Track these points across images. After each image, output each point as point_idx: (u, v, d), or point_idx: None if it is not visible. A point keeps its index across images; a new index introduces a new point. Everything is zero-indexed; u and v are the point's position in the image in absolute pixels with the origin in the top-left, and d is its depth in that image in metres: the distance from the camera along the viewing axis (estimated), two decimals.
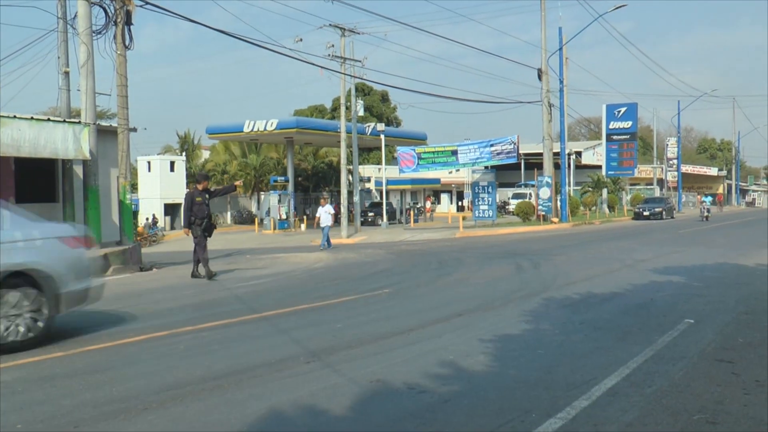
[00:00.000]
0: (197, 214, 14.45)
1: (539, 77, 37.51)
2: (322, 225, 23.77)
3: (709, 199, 42.05)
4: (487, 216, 35.15)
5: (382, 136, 39.75)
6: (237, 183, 19.69)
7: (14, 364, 6.63)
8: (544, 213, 36.60)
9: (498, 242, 24.09)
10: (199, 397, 5.37)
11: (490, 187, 35.57)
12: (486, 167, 39.71)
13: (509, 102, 79.10)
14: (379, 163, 51.95)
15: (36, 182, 18.90)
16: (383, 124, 41.97)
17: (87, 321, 9.36)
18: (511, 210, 46.56)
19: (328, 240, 23.69)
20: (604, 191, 50.30)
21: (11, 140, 15.27)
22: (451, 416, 4.81)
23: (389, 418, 4.80)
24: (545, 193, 36.74)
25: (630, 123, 45.91)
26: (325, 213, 23.84)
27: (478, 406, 5.03)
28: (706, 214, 39.21)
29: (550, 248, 20.15)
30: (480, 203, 35.44)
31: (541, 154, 40.40)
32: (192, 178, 50.31)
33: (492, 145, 35.62)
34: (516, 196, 52.50)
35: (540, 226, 33.84)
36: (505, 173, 59.88)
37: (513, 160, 36.74)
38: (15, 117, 15.63)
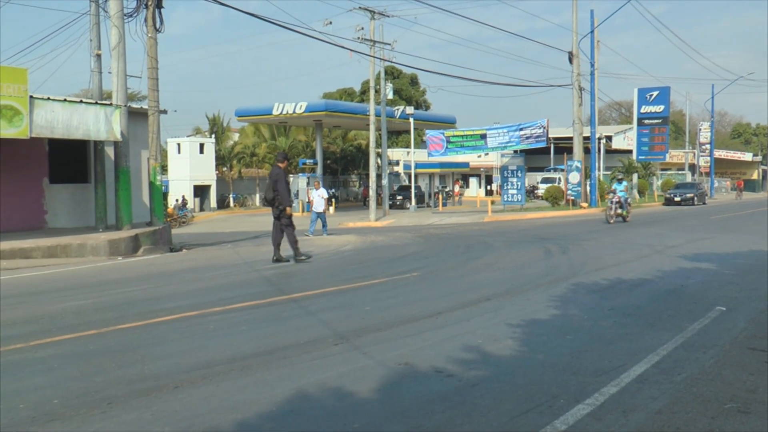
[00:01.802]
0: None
1: (570, 60, 37.06)
2: (315, 210, 21.98)
3: (623, 185, 25.74)
4: (515, 200, 34.96)
5: (411, 120, 39.62)
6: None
7: (50, 341, 6.75)
8: (573, 198, 36.30)
9: (526, 227, 23.95)
10: (229, 377, 5.41)
11: (519, 171, 35.35)
12: (515, 151, 39.62)
13: (539, 85, 78.55)
14: (407, 146, 51.80)
15: (69, 163, 19.18)
16: (412, 108, 41.84)
17: (118, 300, 9.50)
18: (540, 194, 46.29)
19: (325, 225, 21.84)
20: (635, 176, 49.72)
21: (45, 122, 15.48)
22: (479, 400, 4.80)
23: (417, 401, 4.80)
24: (575, 177, 36.40)
25: (662, 107, 45.21)
26: (318, 197, 22.19)
27: (505, 390, 5.01)
28: (613, 212, 24.65)
29: (579, 233, 19.98)
30: (509, 187, 35.24)
31: (570, 139, 40.03)
32: (221, 160, 50.68)
33: (521, 129, 35.36)
34: (545, 180, 52.13)
35: (569, 211, 33.58)
36: (534, 157, 59.49)
37: (542, 144, 36.44)
38: (49, 99, 15.82)
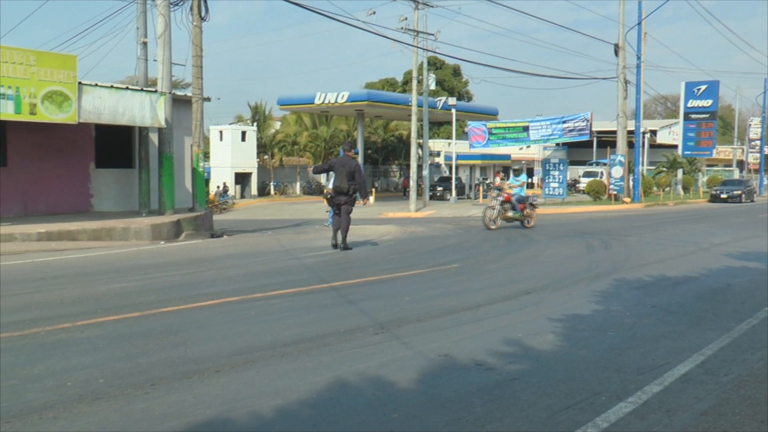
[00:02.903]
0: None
1: (616, 53, 36.46)
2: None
3: (518, 180, 20.07)
4: (557, 194, 34.66)
5: (453, 111, 39.42)
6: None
7: (96, 322, 6.88)
8: (615, 192, 35.80)
9: (567, 221, 23.69)
10: (269, 363, 5.46)
11: (561, 165, 35.02)
12: (557, 144, 39.19)
13: (584, 78, 77.56)
14: (449, 137, 51.61)
15: (114, 148, 19.51)
16: (454, 99, 41.60)
17: (161, 283, 9.64)
18: (582, 188, 45.73)
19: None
20: (680, 172, 48.81)
21: (92, 107, 15.77)
22: (519, 394, 4.76)
23: (457, 392, 4.78)
24: (617, 172, 35.90)
25: (710, 101, 44.26)
26: None
27: (546, 385, 4.97)
28: (495, 215, 19.35)
29: (621, 228, 19.71)
30: (550, 180, 34.95)
31: (614, 132, 39.43)
32: (263, 148, 51.06)
33: (564, 122, 35.00)
34: (587, 174, 51.45)
35: (611, 206, 33.14)
36: (576, 151, 58.76)
37: (585, 138, 36.02)
38: (96, 85, 16.10)
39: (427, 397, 4.71)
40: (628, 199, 35.53)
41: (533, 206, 19.95)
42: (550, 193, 34.68)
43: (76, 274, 10.62)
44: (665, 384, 5.03)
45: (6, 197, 17.25)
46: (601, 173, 46.21)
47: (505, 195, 19.43)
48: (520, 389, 4.87)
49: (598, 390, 4.87)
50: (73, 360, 5.54)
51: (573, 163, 50.84)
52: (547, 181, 35.09)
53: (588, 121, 34.42)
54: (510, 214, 19.44)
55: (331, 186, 14.47)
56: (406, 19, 31.95)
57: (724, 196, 40.62)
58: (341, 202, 13.90)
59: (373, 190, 42.88)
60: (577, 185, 50.11)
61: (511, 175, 20.69)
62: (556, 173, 34.74)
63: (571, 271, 11.00)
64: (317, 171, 15.86)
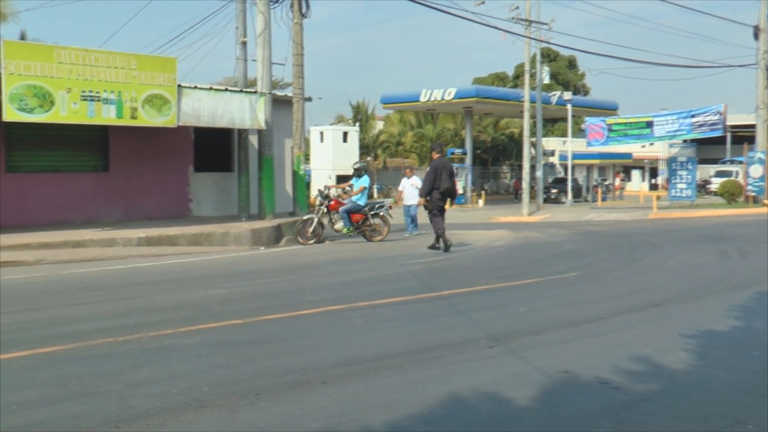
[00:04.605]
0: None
1: (755, 36, 34.82)
2: (406, 203, 19.89)
3: (359, 183, 17.09)
4: (684, 196, 33.42)
5: (569, 106, 38.75)
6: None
7: (197, 328, 7.14)
8: (754, 194, 34.14)
9: (697, 225, 22.82)
10: (378, 375, 5.51)
11: (690, 164, 33.75)
12: (685, 141, 37.78)
13: (716, 66, 74.19)
14: (564, 135, 50.73)
15: (213, 152, 20.22)
16: (570, 93, 40.96)
17: (263, 290, 9.91)
18: (713, 190, 43.92)
19: (414, 222, 19.54)
20: None
21: (191, 110, 16.40)
22: (649, 417, 4.61)
23: (579, 412, 4.68)
24: (756, 171, 34.23)
25: None
26: (410, 187, 20.00)
27: (680, 408, 4.78)
28: (315, 224, 16.57)
29: (760, 235, 18.76)
30: (677, 181, 33.74)
31: (752, 126, 37.64)
32: (365, 149, 51.68)
33: (693, 116, 33.67)
34: (719, 173, 49.36)
35: (748, 209, 31.64)
36: (707, 148, 56.50)
37: (718, 133, 34.52)
38: (195, 87, 16.75)
39: (546, 416, 4.63)
40: None
41: (383, 216, 17.10)
42: (677, 194, 33.48)
43: (177, 279, 11.07)
44: None
45: (107, 202, 18.18)
46: (737, 172, 44.26)
47: (331, 203, 16.81)
48: (651, 411, 4.71)
49: (741, 417, 4.64)
50: (176, 366, 5.76)
51: (703, 161, 48.89)
52: (673, 181, 33.90)
53: (721, 114, 33.00)
54: (337, 226, 16.84)
55: (426, 191, 14.77)
56: (517, 8, 31.68)
57: None
58: (443, 204, 14.59)
59: (483, 192, 42.64)
60: (708, 186, 48.19)
61: (355, 177, 17.39)
62: (684, 173, 33.51)
63: (703, 282, 10.57)
64: (429, 188, 14.63)
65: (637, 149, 54.38)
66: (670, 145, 53.31)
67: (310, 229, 16.47)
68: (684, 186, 33.61)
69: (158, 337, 6.73)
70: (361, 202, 16.83)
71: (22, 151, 16.86)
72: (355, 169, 17.31)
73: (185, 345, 6.50)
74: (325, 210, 16.72)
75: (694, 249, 15.30)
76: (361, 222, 16.77)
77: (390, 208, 17.54)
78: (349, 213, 16.53)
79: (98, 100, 14.92)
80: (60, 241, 14.25)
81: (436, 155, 15.18)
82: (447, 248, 14.48)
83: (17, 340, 6.60)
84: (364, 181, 17.02)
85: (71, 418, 4.51)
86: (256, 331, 7.21)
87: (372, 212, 16.89)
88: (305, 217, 16.96)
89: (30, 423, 4.43)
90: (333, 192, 17.42)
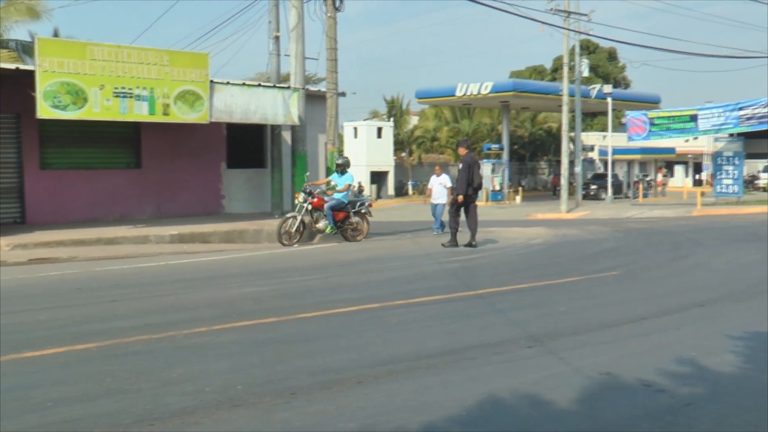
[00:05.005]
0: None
1: None
2: (434, 201, 19.72)
3: (344, 180, 16.50)
4: (731, 192, 32.95)
5: (609, 99, 38.39)
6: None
7: (231, 326, 7.20)
8: None
9: (745, 223, 22.46)
10: (414, 375, 5.51)
11: (737, 158, 33.25)
12: (731, 134, 37.08)
13: (765, 56, 72.95)
14: (604, 129, 50.28)
15: (245, 148, 20.35)
16: (610, 86, 40.56)
17: (296, 288, 9.97)
18: (762, 185, 43.36)
19: (442, 222, 19.09)
20: None
21: (224, 106, 16.52)
22: (694, 421, 4.55)
23: (621, 416, 4.64)
24: None
25: None
26: (439, 185, 19.73)
27: (727, 413, 4.72)
28: (298, 223, 15.87)
29: None
30: (723, 177, 33.28)
31: None
32: (400, 145, 51.70)
33: (741, 109, 33.16)
34: None
35: None
36: (755, 142, 55.40)
37: (767, 126, 33.97)
38: (228, 83, 16.87)
39: (587, 419, 4.60)
40: None
41: (363, 214, 16.77)
42: (723, 190, 33.03)
43: (209, 277, 11.19)
44: None
45: (140, 199, 18.40)
46: None
47: (315, 200, 16.11)
48: (696, 416, 4.65)
49: None
50: (211, 365, 5.83)
51: (751, 156, 48.07)
52: (718, 177, 33.45)
53: None
54: (320, 225, 16.23)
55: (458, 187, 15.09)
56: None
57: None
58: (473, 200, 14.96)
59: (520, 189, 42.44)
60: (756, 182, 47.57)
61: (335, 173, 16.99)
62: (730, 168, 33.04)
63: (751, 281, 10.41)
64: (466, 185, 14.79)
65: (680, 144, 53.70)
66: (716, 139, 52.41)
67: (293, 229, 15.79)
68: (730, 182, 33.16)
69: (192, 335, 6.80)
70: (345, 200, 16.46)
71: (55, 148, 17.13)
72: (338, 165, 16.80)
73: (219, 343, 6.57)
74: (309, 207, 16.08)
75: (741, 247, 15.08)
76: (342, 220, 16.36)
77: (370, 205, 17.26)
78: (334, 210, 16.12)
79: (130, 97, 15.12)
80: (93, 238, 14.48)
81: (464, 151, 15.33)
82: (453, 244, 14.94)
83: (52, 336, 6.72)
84: (348, 178, 16.55)
85: (106, 415, 4.58)
86: (290, 329, 7.26)
87: (354, 210, 16.55)
88: (287, 215, 16.19)
89: (66, 420, 4.52)
90: (317, 189, 16.47)
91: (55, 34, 29.63)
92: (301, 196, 16.17)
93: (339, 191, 16.28)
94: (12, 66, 15.63)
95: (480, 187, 15.29)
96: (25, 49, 26.50)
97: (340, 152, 18.05)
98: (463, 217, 15.03)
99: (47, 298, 9.14)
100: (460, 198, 14.82)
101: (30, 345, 6.33)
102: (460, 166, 14.90)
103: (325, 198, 16.22)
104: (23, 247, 13.53)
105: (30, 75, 14.34)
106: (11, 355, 6.00)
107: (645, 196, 41.19)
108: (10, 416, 4.57)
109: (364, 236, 16.72)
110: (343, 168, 16.59)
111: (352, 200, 16.71)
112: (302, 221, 15.95)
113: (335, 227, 16.18)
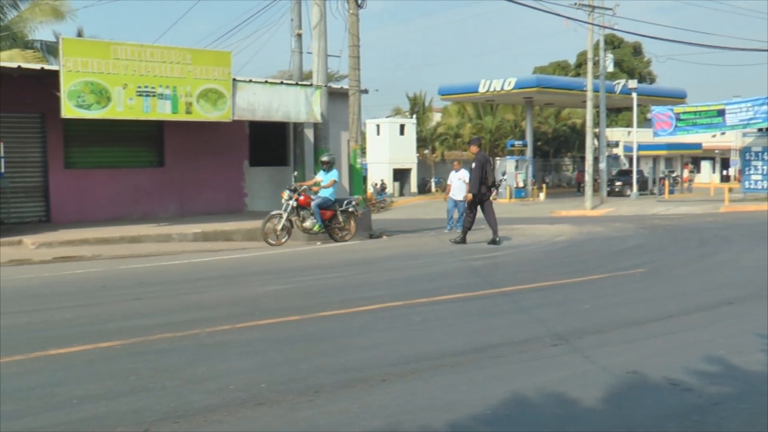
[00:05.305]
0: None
1: None
2: (452, 196, 19.33)
3: (329, 177, 16.03)
4: (760, 188, 32.60)
5: (634, 95, 38.12)
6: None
7: (254, 324, 7.22)
8: None
9: None
10: (438, 373, 5.50)
11: (766, 154, 32.88)
12: (760, 129, 36.65)
13: None
14: (629, 125, 49.91)
15: (268, 146, 20.42)
16: (635, 81, 40.32)
17: (318, 286, 9.99)
18: None
19: (461, 218, 17.85)
20: None
21: (247, 104, 16.57)
22: (724, 421, 4.50)
23: (649, 416, 4.59)
24: None
25: None
26: (458, 180, 19.23)
27: (758, 413, 4.65)
28: (283, 223, 15.46)
29: None
30: (751, 172, 32.93)
31: None
32: (423, 142, 51.65)
33: None
34: None
35: None
36: None
37: None
38: (250, 81, 16.92)
39: (613, 418, 4.57)
40: None
41: (350, 213, 16.44)
42: (752, 187, 32.68)
43: (233, 275, 11.23)
44: None
45: (163, 197, 18.53)
46: None
47: (301, 198, 15.66)
48: (726, 416, 4.60)
49: None
50: (234, 363, 5.84)
51: None
52: (747, 173, 33.10)
53: None
54: (307, 224, 15.80)
55: (471, 185, 15.18)
56: None
57: None
58: (487, 198, 15.01)
59: (544, 185, 42.26)
60: None
61: (320, 170, 16.50)
62: (759, 164, 32.68)
63: None
64: (479, 183, 14.74)
65: (707, 139, 53.19)
66: (744, 134, 51.84)
67: (279, 227, 15.32)
68: (759, 177, 32.81)
69: (215, 333, 6.83)
70: (332, 198, 16.12)
71: (79, 147, 17.28)
72: (323, 162, 16.30)
73: (242, 341, 6.59)
74: (295, 205, 15.60)
75: None
76: (329, 219, 16.06)
77: (357, 204, 16.89)
78: (321, 208, 15.75)
79: (153, 96, 15.21)
80: (117, 237, 14.60)
81: (476, 149, 15.35)
82: (461, 241, 15.14)
83: (78, 334, 6.78)
84: (334, 174, 16.16)
85: (130, 413, 4.61)
86: (313, 327, 7.26)
87: (341, 209, 16.24)
88: (272, 213, 15.61)
89: (91, 417, 4.55)
90: (303, 187, 15.99)
91: (79, 34, 29.87)
92: (286, 194, 15.69)
93: (324, 187, 15.90)
94: (37, 66, 15.80)
95: (494, 184, 15.29)
96: (50, 50, 26.83)
97: (327, 150, 17.92)
98: (480, 214, 15.02)
99: (72, 296, 9.23)
100: (470, 197, 15.00)
101: (55, 342, 6.39)
102: (473, 165, 14.86)
103: (312, 196, 15.88)
104: (48, 245, 13.68)
105: (54, 75, 14.48)
106: (37, 353, 6.06)
107: (671, 192, 40.84)
108: (36, 413, 4.62)
109: (351, 235, 16.38)
110: (329, 165, 16.19)
111: (339, 199, 16.40)
112: (289, 220, 15.58)
113: (323, 226, 15.87)
